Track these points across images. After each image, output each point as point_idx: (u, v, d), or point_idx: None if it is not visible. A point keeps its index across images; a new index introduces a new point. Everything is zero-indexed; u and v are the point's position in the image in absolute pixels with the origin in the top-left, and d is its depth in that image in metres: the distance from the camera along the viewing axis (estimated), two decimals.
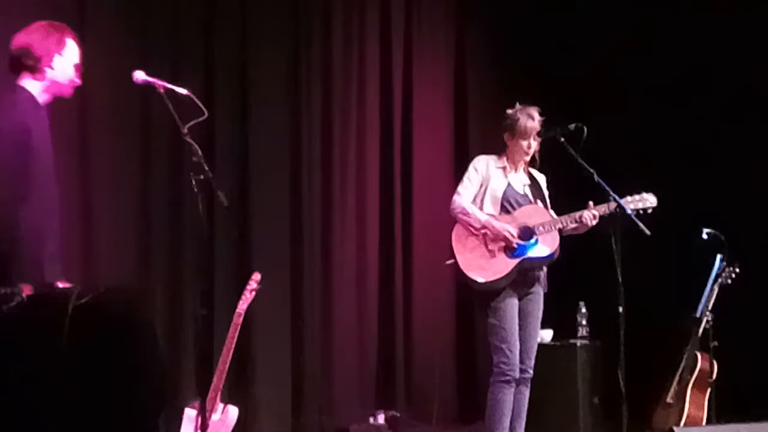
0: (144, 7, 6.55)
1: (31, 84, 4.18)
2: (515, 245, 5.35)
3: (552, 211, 5.53)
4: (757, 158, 6.93)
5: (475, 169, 5.50)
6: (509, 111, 5.47)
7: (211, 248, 6.40)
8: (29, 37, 4.20)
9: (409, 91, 7.68)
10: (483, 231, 5.39)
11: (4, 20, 5.33)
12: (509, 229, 5.35)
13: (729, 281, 6.28)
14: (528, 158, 5.49)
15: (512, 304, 5.39)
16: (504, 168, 5.49)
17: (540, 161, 5.60)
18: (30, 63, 4.16)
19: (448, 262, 5.49)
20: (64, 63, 4.22)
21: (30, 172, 4.03)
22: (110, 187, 6.30)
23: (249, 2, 6.99)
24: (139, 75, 4.32)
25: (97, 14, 6.21)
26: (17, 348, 3.03)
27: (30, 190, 4.02)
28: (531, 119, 5.42)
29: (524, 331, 5.44)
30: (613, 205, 5.30)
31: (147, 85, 4.32)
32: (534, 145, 5.45)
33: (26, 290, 3.81)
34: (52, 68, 4.19)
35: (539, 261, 5.42)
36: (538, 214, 5.43)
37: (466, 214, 5.42)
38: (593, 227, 5.38)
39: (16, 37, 4.22)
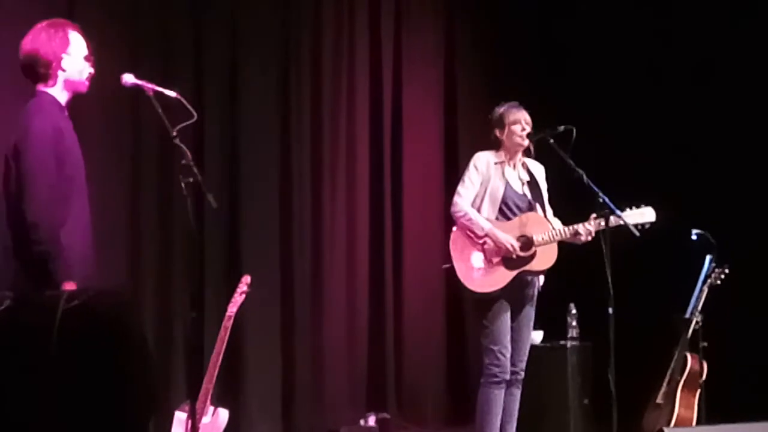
0: (133, 10, 6.55)
1: (49, 87, 4.19)
2: (515, 257, 5.35)
3: (550, 211, 5.54)
4: (747, 158, 6.95)
5: (476, 168, 5.47)
6: (491, 113, 5.51)
7: (201, 251, 6.40)
8: (34, 43, 4.19)
9: (399, 93, 7.68)
10: (484, 240, 5.38)
11: None
12: (512, 241, 5.33)
13: (718, 282, 6.28)
14: (525, 143, 5.48)
15: (505, 306, 5.39)
16: (502, 163, 5.48)
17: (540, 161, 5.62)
18: (41, 71, 4.18)
19: (445, 266, 5.49)
20: (74, 60, 4.21)
21: (66, 172, 4.08)
22: (99, 190, 6.27)
23: (239, 4, 6.99)
24: (128, 78, 4.31)
25: (86, 17, 6.18)
26: (6, 352, 3.02)
27: (69, 191, 4.08)
28: (516, 107, 5.46)
29: (517, 333, 5.44)
30: (607, 221, 5.28)
31: (136, 88, 4.32)
32: (527, 129, 5.45)
33: (70, 287, 3.85)
34: (63, 70, 4.19)
35: (536, 272, 5.44)
36: (538, 223, 5.42)
37: (470, 220, 5.40)
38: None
39: (22, 44, 4.21)
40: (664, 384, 6.26)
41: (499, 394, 5.37)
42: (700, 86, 7.17)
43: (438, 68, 7.89)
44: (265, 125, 7.03)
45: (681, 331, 6.25)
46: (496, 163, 5.47)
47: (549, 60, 7.64)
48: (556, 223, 5.49)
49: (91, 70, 4.27)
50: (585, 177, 5.26)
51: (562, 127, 5.34)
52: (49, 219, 3.97)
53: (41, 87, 4.19)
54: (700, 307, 6.24)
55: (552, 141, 5.35)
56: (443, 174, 7.59)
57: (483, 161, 5.48)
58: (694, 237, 6.26)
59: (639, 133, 7.34)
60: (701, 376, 6.19)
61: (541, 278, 5.52)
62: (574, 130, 5.26)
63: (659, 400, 6.26)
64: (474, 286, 5.37)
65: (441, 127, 7.86)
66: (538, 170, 5.59)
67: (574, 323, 6.86)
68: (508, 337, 5.38)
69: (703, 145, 7.06)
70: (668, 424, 6.11)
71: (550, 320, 6.66)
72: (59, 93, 4.21)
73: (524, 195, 5.49)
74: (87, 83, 4.27)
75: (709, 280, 6.28)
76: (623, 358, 5.16)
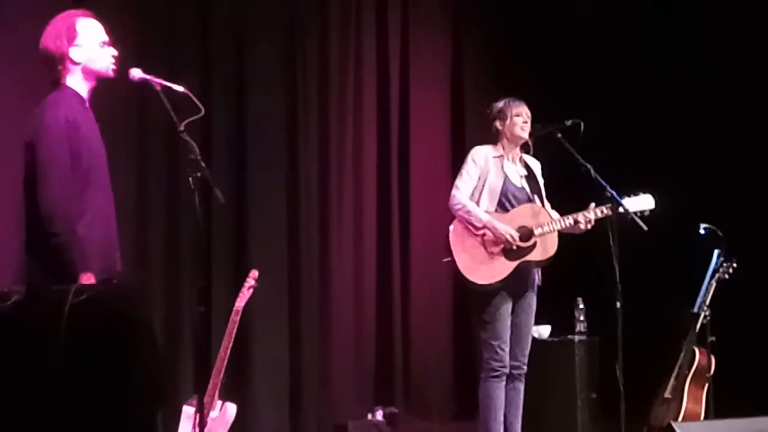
0: (140, 5, 6.55)
1: (69, 80, 4.18)
2: (515, 248, 5.34)
3: (548, 204, 5.53)
4: (754, 153, 6.94)
5: (474, 162, 5.47)
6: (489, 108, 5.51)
7: (208, 246, 6.41)
8: (44, 41, 4.19)
9: (406, 89, 7.67)
10: (483, 231, 5.38)
11: (6, 17, 5.36)
12: (511, 232, 5.32)
13: (726, 276, 6.28)
14: (525, 135, 5.47)
15: (505, 300, 5.38)
16: (501, 156, 5.48)
17: (537, 158, 5.61)
18: (54, 67, 4.17)
19: (446, 259, 5.48)
20: (85, 50, 4.18)
21: (83, 163, 4.06)
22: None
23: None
24: (136, 72, 4.31)
25: (93, 11, 6.18)
26: (14, 346, 3.03)
27: (86, 182, 4.07)
28: (518, 100, 5.47)
29: (517, 327, 5.42)
30: (607, 209, 5.29)
31: (144, 83, 4.31)
32: (528, 123, 5.44)
33: (88, 279, 3.86)
34: (76, 63, 4.17)
35: (537, 263, 5.43)
36: (537, 214, 5.42)
37: (468, 212, 5.39)
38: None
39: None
40: (672, 378, 6.26)
41: (499, 388, 5.35)
42: (708, 80, 7.16)
43: (445, 62, 7.88)
44: (272, 120, 7.03)
45: (689, 326, 6.25)
46: (494, 157, 5.47)
47: (556, 55, 7.62)
48: (555, 216, 5.49)
49: (114, 53, 4.26)
50: (593, 171, 5.26)
51: (569, 121, 5.35)
52: (64, 211, 3.97)
53: (62, 80, 4.18)
54: (708, 302, 6.24)
55: (559, 135, 5.35)
56: (450, 169, 7.56)
57: (481, 155, 5.48)
58: (702, 231, 6.25)
59: (646, 128, 7.33)
60: (709, 370, 6.18)
61: (539, 271, 5.52)
62: (582, 124, 5.26)
63: (667, 394, 6.26)
64: (474, 278, 5.36)
65: (448, 122, 7.85)
66: (535, 166, 5.60)
67: (581, 317, 6.85)
68: (508, 332, 5.37)
69: (711, 137, 7.05)
70: (676, 419, 6.10)
71: (557, 315, 6.66)
72: (80, 84, 4.19)
73: (523, 188, 5.49)
74: (111, 67, 4.24)
75: (717, 275, 6.27)
76: (631, 352, 5.16)
